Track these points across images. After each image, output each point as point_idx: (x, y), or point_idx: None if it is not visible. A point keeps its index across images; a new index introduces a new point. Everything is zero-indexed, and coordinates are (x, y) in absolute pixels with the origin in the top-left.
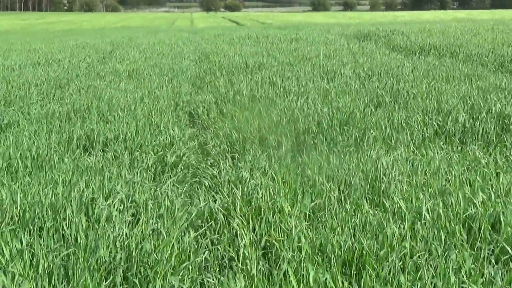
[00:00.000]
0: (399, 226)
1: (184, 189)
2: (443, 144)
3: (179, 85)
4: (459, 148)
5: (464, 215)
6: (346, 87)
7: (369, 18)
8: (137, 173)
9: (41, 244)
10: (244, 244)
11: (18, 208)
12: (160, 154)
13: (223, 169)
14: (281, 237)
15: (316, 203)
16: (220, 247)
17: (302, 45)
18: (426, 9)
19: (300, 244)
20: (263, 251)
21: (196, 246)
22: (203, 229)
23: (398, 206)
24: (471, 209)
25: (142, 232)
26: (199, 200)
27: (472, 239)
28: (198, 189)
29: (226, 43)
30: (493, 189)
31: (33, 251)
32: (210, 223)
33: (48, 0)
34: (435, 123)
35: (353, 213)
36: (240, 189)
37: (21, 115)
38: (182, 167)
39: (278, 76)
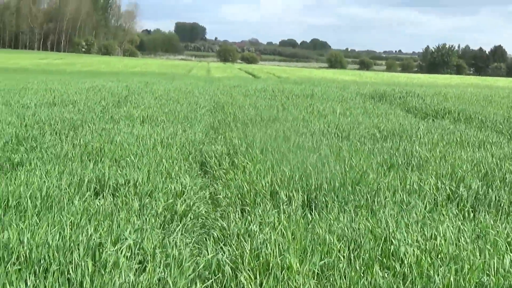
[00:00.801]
0: None
1: (193, 239)
2: (455, 210)
3: (193, 134)
4: (471, 215)
5: (475, 283)
6: (360, 146)
7: (385, 78)
8: (146, 219)
9: (46, 287)
10: None
11: (25, 248)
12: (170, 202)
13: (232, 221)
14: None
15: (325, 262)
16: None
17: (318, 102)
18: (442, 73)
19: None
20: None
21: None
22: (210, 281)
23: (409, 269)
24: (484, 278)
25: (148, 280)
26: (207, 251)
27: None
28: (206, 240)
29: (242, 94)
30: (504, 260)
31: None
32: (217, 275)
33: (66, 41)
34: (448, 188)
35: (362, 274)
36: (249, 242)
37: (33, 154)
38: (192, 217)
39: (292, 131)
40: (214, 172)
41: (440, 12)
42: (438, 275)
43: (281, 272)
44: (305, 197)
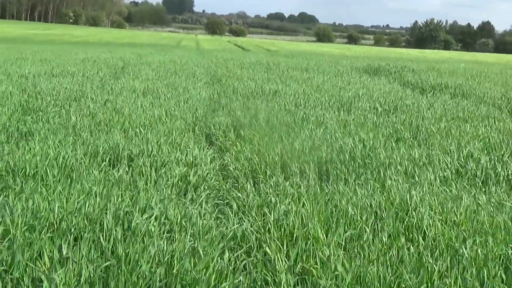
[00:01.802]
0: (437, 262)
1: (212, 210)
2: (466, 184)
3: (195, 106)
4: (483, 189)
5: (500, 255)
6: (364, 119)
7: (375, 52)
8: (162, 189)
9: (79, 255)
10: (279, 269)
11: (55, 216)
12: (183, 173)
13: (250, 193)
14: (317, 265)
15: (350, 233)
16: (256, 270)
17: (315, 75)
18: (429, 48)
19: (337, 273)
20: (298, 277)
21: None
22: (241, 251)
23: (433, 242)
24: (509, 251)
25: (179, 249)
26: (229, 222)
27: (510, 279)
28: (227, 211)
29: (238, 67)
30: None
31: (74, 260)
32: (243, 246)
33: (54, 12)
34: (457, 163)
35: (390, 246)
36: (272, 213)
37: (41, 124)
38: (205, 187)
39: (294, 104)
40: (221, 143)
41: None
42: (465, 248)
43: (306, 243)
44: (317, 170)
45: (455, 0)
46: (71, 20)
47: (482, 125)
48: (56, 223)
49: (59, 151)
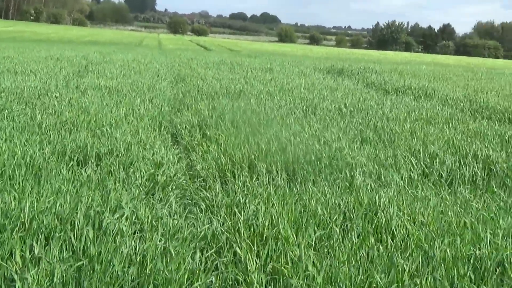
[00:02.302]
0: (407, 262)
1: (179, 210)
2: (432, 185)
3: (160, 105)
4: (448, 190)
5: (468, 256)
6: (329, 120)
7: (337, 53)
8: (131, 189)
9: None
10: (250, 269)
11: (26, 216)
12: (151, 173)
13: (218, 192)
14: (288, 264)
15: (320, 233)
16: (227, 270)
17: (279, 76)
18: (391, 50)
19: (308, 273)
20: (270, 277)
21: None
22: (212, 251)
23: (402, 242)
24: (477, 251)
25: (151, 249)
26: (198, 222)
27: (479, 280)
28: (196, 211)
29: (201, 67)
30: (492, 232)
31: (47, 260)
32: (213, 246)
33: (15, 9)
34: (422, 164)
35: (360, 246)
36: (242, 214)
37: (6, 122)
38: (173, 187)
39: (259, 104)
40: (187, 143)
41: None
42: (434, 248)
43: (277, 243)
44: (284, 170)
45: (416, 2)
46: (32, 18)
47: (446, 127)
48: (27, 222)
49: (26, 150)
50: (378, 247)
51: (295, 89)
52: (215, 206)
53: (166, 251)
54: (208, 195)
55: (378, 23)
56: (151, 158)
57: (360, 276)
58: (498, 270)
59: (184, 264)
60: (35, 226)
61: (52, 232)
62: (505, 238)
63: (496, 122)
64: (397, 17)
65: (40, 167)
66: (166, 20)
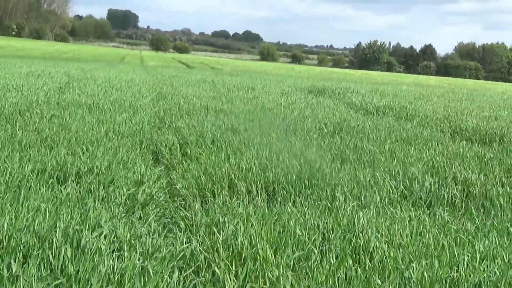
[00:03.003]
0: (385, 284)
1: (158, 229)
2: (411, 206)
3: (141, 123)
4: (427, 211)
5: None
6: (309, 140)
7: (318, 71)
8: (111, 207)
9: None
10: None
11: (4, 233)
12: (131, 192)
13: (198, 212)
14: (266, 285)
15: (299, 254)
16: None
17: (260, 95)
18: (372, 69)
19: None
20: None
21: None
22: (190, 270)
23: (380, 264)
24: (454, 274)
25: (130, 268)
26: (177, 241)
27: None
28: (175, 230)
29: (183, 85)
30: (470, 255)
31: (24, 278)
32: (191, 265)
33: None
34: (402, 185)
35: (337, 267)
36: (221, 233)
37: None
38: (153, 206)
39: (240, 123)
40: (168, 161)
41: (375, 9)
42: (412, 270)
43: (255, 263)
44: (264, 189)
45: (398, 23)
46: (14, 33)
47: (425, 148)
48: (5, 240)
49: (6, 166)
50: (356, 269)
51: (276, 108)
52: (194, 226)
53: (145, 270)
54: (187, 214)
55: (360, 42)
56: (131, 176)
57: None
58: None
59: (162, 283)
60: (13, 244)
61: (30, 250)
62: (482, 260)
63: (475, 144)
64: (379, 37)
65: (20, 184)
66: (149, 37)
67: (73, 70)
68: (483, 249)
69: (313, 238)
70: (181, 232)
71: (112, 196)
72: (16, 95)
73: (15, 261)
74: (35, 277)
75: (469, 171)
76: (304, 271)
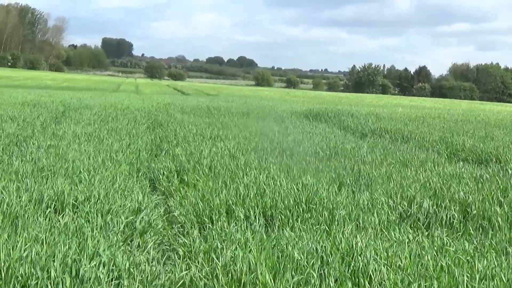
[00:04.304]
0: None
1: (159, 256)
2: (410, 228)
3: (138, 151)
4: (426, 233)
5: None
6: (306, 164)
7: (313, 95)
8: (108, 236)
9: None
10: None
11: (2, 264)
12: (129, 220)
13: (196, 238)
14: None
15: (298, 278)
16: None
17: (255, 120)
18: (367, 92)
19: None
20: None
21: None
22: None
23: (379, 286)
24: None
25: None
26: (176, 268)
27: None
28: (174, 257)
29: (178, 112)
30: (469, 275)
31: None
32: None
33: None
34: (400, 207)
35: None
36: (220, 259)
37: None
38: (152, 234)
39: (236, 149)
40: (165, 189)
41: (368, 32)
42: None
43: None
44: (262, 214)
45: (392, 45)
46: (9, 64)
47: (422, 169)
48: (3, 270)
49: (3, 197)
50: None
51: (271, 133)
52: (193, 252)
53: None
54: (186, 241)
55: (354, 66)
56: (129, 204)
57: None
58: None
59: None
60: (11, 275)
61: (29, 281)
62: (482, 280)
63: (472, 164)
64: (373, 59)
65: (17, 215)
66: (143, 64)
67: (69, 99)
68: (482, 269)
69: (311, 262)
70: (180, 259)
71: (110, 225)
72: (12, 126)
73: None
74: None
75: (466, 191)
76: None
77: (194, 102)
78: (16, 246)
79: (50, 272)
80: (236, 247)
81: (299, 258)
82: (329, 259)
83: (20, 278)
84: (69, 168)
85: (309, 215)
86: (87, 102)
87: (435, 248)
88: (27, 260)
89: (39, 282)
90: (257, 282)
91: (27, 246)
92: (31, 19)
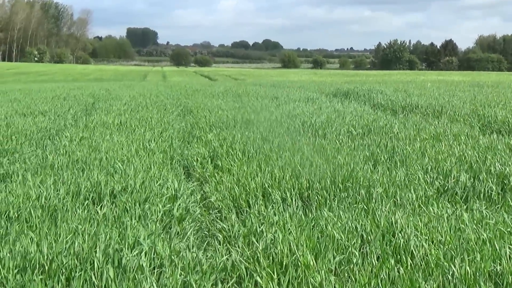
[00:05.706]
0: (429, 282)
1: (197, 242)
2: (448, 202)
3: (170, 138)
4: (464, 206)
5: (489, 272)
6: (339, 144)
7: (341, 74)
8: (147, 225)
9: None
10: None
11: (45, 257)
12: (167, 208)
13: (234, 223)
14: None
15: (340, 258)
16: None
17: (285, 102)
18: (394, 69)
19: None
20: None
21: None
22: (232, 281)
23: (422, 262)
24: (498, 267)
25: (173, 284)
26: (216, 253)
27: None
28: (214, 243)
29: (207, 97)
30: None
31: None
32: (233, 276)
33: (18, 51)
34: (437, 182)
35: (380, 269)
36: (260, 243)
37: (18, 165)
38: (190, 220)
39: (268, 132)
40: (200, 175)
41: (391, 9)
42: (454, 266)
43: (297, 271)
44: (298, 196)
45: (416, 21)
46: (36, 58)
47: (456, 143)
48: (47, 264)
49: (40, 191)
50: (399, 269)
51: (302, 115)
52: (232, 237)
53: (187, 284)
54: (224, 226)
55: (380, 43)
56: (165, 192)
57: None
58: None
59: None
60: (55, 267)
61: (73, 273)
62: None
63: (505, 136)
64: (399, 36)
65: (56, 208)
66: (169, 52)
67: (97, 90)
68: None
69: (352, 241)
70: (219, 244)
71: (148, 214)
72: (44, 120)
73: (58, 285)
74: None
75: (502, 163)
76: (346, 274)
77: (222, 87)
78: (58, 239)
79: (94, 263)
80: (275, 230)
81: (339, 238)
82: (369, 237)
83: (64, 270)
84: (103, 159)
85: (346, 194)
86: (116, 93)
87: (475, 221)
88: (69, 252)
89: (82, 274)
90: (299, 264)
91: (68, 238)
92: (54, 13)
